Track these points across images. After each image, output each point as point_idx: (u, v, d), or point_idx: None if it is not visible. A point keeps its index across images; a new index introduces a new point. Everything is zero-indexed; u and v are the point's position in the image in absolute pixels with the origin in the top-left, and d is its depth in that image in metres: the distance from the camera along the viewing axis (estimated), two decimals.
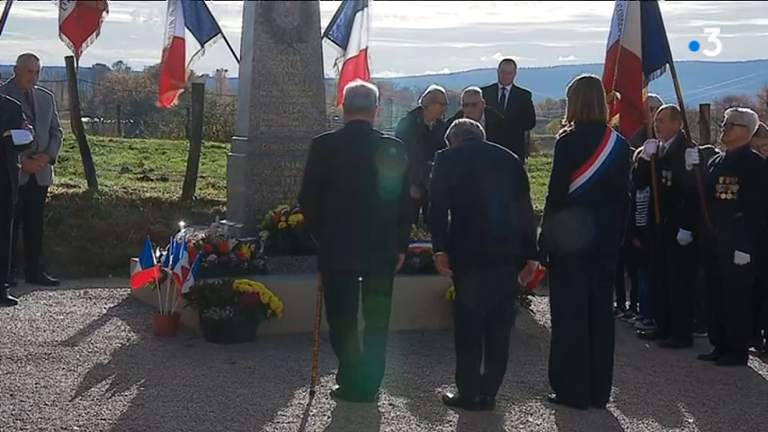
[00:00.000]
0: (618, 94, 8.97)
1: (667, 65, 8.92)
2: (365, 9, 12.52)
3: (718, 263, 7.84)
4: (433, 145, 10.42)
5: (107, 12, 11.60)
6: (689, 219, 8.18)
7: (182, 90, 12.78)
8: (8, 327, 8.26)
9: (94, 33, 11.60)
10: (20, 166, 9.22)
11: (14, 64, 10.01)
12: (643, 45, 8.95)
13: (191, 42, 12.31)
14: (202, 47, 12.42)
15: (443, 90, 10.72)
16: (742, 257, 7.64)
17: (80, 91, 15.81)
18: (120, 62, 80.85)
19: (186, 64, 12.31)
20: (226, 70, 58.11)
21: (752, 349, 8.10)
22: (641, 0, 8.97)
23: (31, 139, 9.11)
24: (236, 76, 10.48)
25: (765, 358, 8.05)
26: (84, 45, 11.67)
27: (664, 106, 8.78)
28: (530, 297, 9.01)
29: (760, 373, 7.71)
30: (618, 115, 9.07)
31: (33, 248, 9.99)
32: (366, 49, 12.64)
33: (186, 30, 12.22)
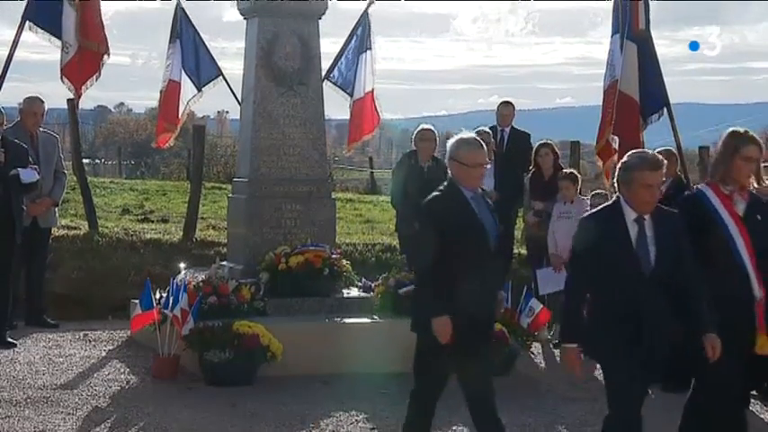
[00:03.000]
0: (616, 137, 9.04)
1: (665, 108, 8.99)
2: (368, 51, 12.61)
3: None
4: (428, 185, 10.49)
5: (108, 55, 11.68)
6: None
7: (177, 131, 12.82)
8: (7, 370, 8.23)
9: (95, 76, 11.67)
10: (25, 207, 9.24)
11: (15, 106, 10.06)
12: (640, 88, 9.02)
13: (187, 86, 12.37)
14: (200, 90, 12.50)
15: (431, 127, 10.79)
16: None
17: (81, 133, 15.90)
18: (122, 104, 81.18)
19: (180, 107, 12.37)
20: (227, 111, 58.49)
21: (753, 393, 8.07)
22: (637, 44, 9.05)
23: (38, 177, 9.15)
24: (238, 117, 10.55)
25: (766, 402, 8.01)
26: (84, 87, 11.74)
27: (659, 149, 8.82)
28: (530, 339, 9.00)
29: (761, 416, 7.67)
30: (615, 158, 9.12)
31: (34, 291, 9.98)
32: (372, 92, 12.72)
33: (183, 74, 12.31)
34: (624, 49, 9.09)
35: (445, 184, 5.86)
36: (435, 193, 5.84)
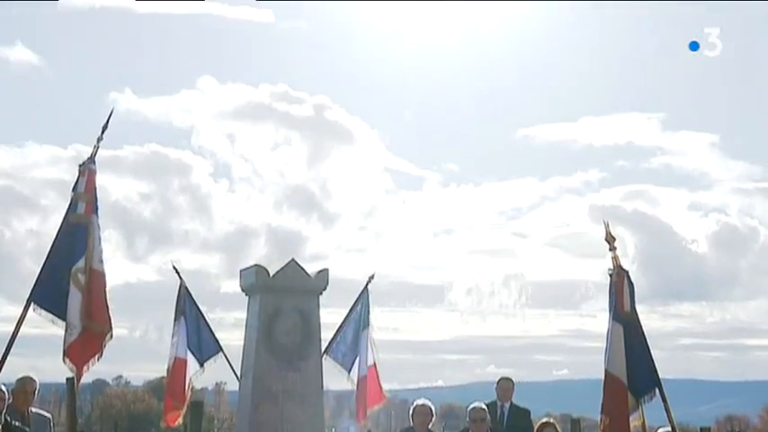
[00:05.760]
0: (607, 418, 8.99)
1: (656, 389, 9.01)
2: (368, 327, 12.78)
3: None
4: None
5: (111, 336, 11.78)
6: None
7: (184, 409, 12.80)
8: None
9: (97, 356, 11.71)
10: None
11: (9, 383, 10.01)
12: (631, 370, 9.05)
13: (191, 362, 12.45)
14: (202, 366, 12.56)
15: (426, 402, 10.78)
16: None
17: (78, 407, 15.70)
18: (120, 376, 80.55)
19: (187, 385, 12.40)
20: (225, 383, 58.11)
21: None
22: (623, 325, 9.17)
23: None
24: (236, 388, 10.54)
25: None
26: (86, 368, 11.73)
27: (661, 429, 8.78)
28: None
29: None
30: None
31: None
32: (374, 365, 12.77)
33: (188, 351, 12.42)
34: (611, 331, 9.21)
35: None
36: None
